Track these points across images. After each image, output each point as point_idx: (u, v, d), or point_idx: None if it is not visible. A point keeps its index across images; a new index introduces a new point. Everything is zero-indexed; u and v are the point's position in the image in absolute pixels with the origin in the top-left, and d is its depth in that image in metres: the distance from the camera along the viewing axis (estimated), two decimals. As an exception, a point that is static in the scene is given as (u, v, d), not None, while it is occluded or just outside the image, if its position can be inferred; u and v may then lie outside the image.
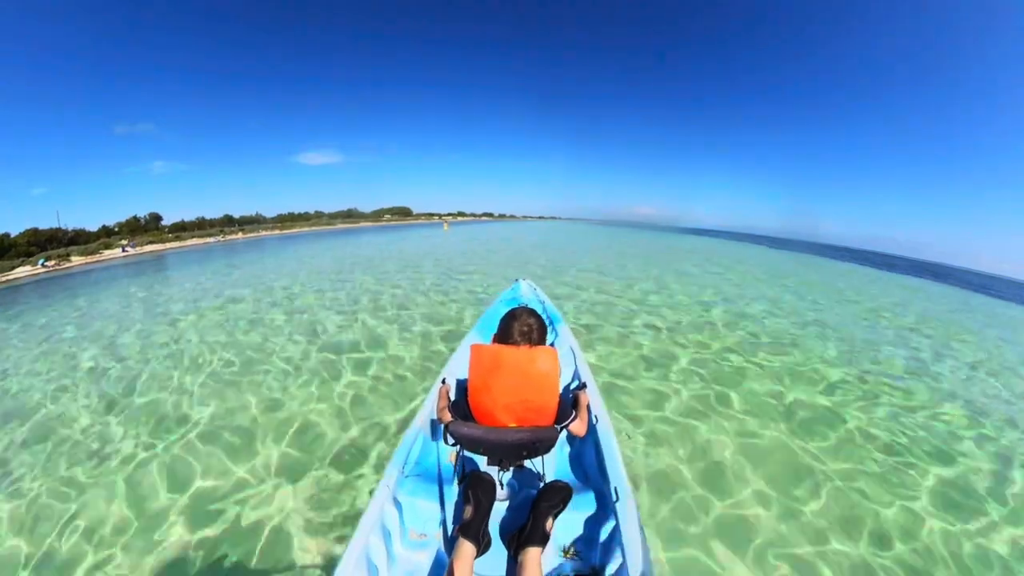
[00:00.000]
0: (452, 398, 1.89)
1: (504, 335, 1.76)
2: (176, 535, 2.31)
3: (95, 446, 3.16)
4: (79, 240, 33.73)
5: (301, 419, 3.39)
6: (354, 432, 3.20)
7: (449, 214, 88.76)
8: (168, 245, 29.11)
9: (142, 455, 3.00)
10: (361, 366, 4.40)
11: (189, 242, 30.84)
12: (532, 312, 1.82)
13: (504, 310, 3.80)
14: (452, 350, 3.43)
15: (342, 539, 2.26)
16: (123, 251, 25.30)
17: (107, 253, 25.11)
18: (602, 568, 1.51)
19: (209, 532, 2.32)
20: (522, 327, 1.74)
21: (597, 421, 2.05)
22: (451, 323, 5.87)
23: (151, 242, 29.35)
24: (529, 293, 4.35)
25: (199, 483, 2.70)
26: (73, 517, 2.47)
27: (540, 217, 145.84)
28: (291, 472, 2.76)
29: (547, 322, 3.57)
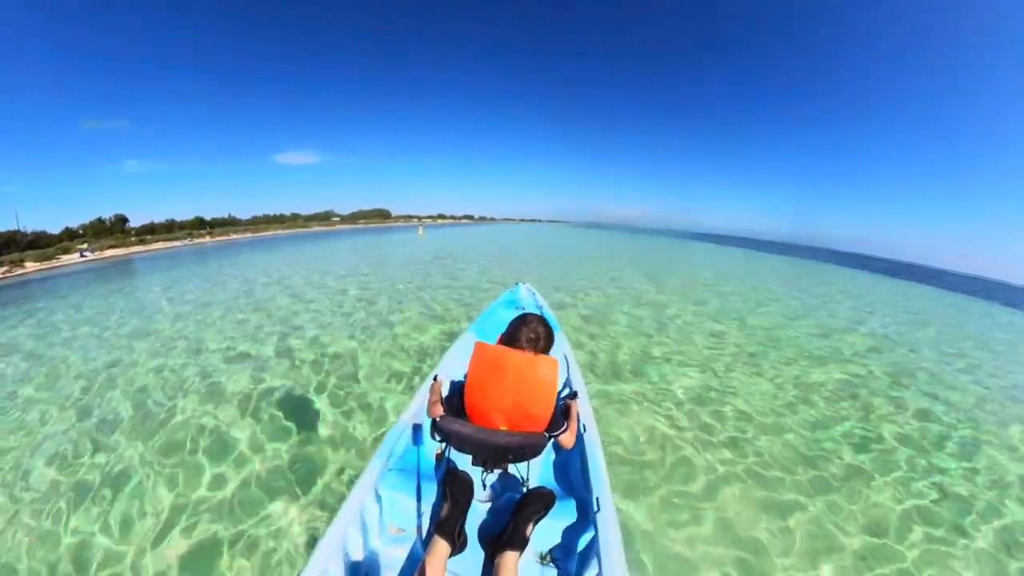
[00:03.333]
0: (445, 394, 1.87)
1: (511, 338, 1.75)
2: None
3: None
4: (39, 243, 32.55)
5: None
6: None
7: (429, 216, 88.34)
8: (131, 249, 28.32)
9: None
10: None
11: (154, 246, 30.07)
12: (543, 320, 1.82)
13: (502, 312, 3.84)
14: (446, 348, 3.43)
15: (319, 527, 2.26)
16: (81, 256, 24.57)
17: (64, 258, 24.34)
18: None
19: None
20: (530, 333, 1.73)
21: (585, 430, 2.05)
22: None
23: (112, 246, 28.55)
24: (528, 297, 4.34)
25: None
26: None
27: (521, 220, 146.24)
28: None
29: None
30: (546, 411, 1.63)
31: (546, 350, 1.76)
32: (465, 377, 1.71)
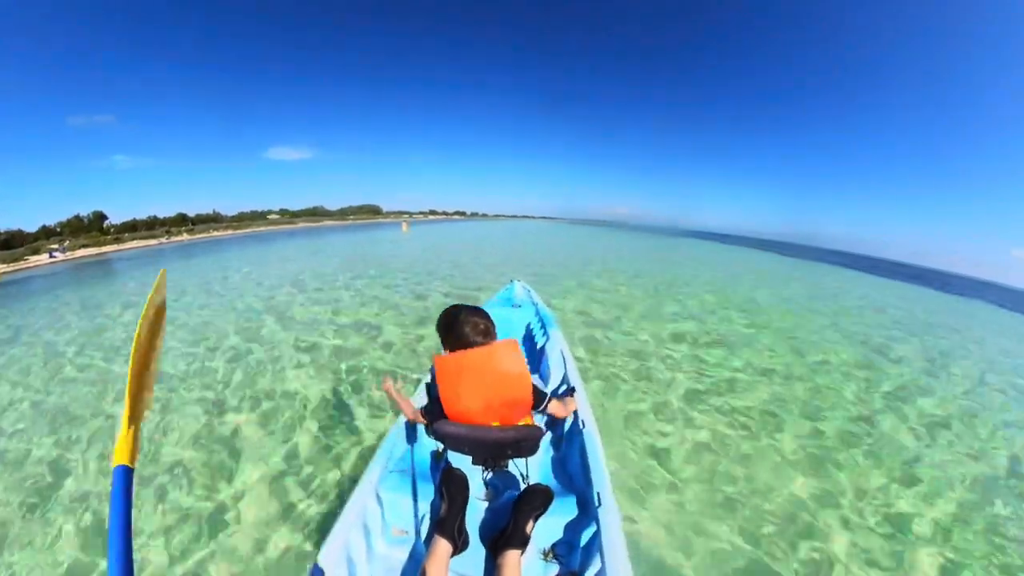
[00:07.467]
0: (424, 403, 1.86)
1: (460, 340, 1.69)
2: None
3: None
4: (14, 242, 32.04)
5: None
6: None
7: (420, 212, 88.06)
8: (105, 248, 27.88)
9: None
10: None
11: (129, 244, 29.64)
12: (475, 310, 1.78)
13: (499, 311, 3.76)
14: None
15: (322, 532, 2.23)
16: (51, 256, 24.15)
17: (33, 259, 23.94)
18: (581, 573, 1.53)
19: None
20: (475, 328, 1.69)
21: (584, 426, 2.06)
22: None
23: (85, 246, 28.09)
24: (523, 294, 4.30)
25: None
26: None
27: (513, 216, 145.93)
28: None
29: (540, 324, 3.64)
30: (524, 391, 1.63)
31: (494, 335, 1.74)
32: (436, 388, 1.69)
